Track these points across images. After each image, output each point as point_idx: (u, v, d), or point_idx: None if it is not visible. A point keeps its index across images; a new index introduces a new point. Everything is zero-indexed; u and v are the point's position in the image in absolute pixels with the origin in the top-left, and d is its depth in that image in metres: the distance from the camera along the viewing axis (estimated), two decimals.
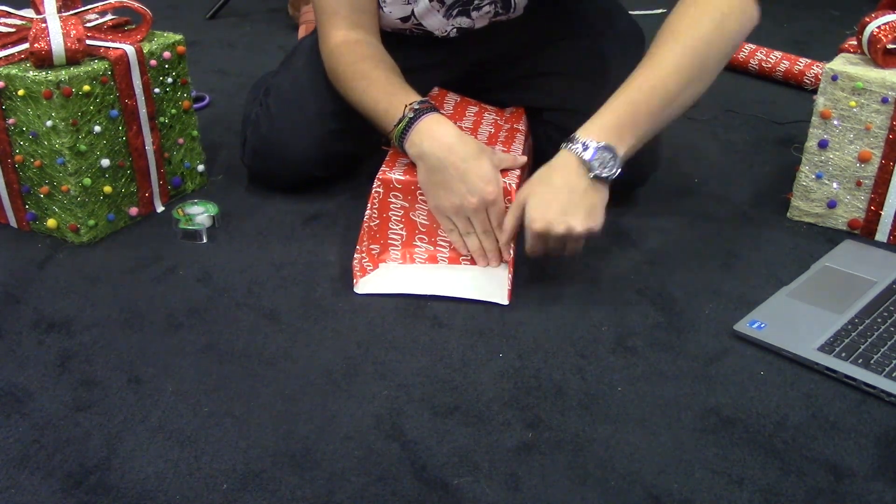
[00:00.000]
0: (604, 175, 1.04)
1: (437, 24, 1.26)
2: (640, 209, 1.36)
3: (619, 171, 1.05)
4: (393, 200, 1.14)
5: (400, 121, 1.13)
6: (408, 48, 1.30)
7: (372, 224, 1.15)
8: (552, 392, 0.96)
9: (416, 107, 1.12)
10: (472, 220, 1.12)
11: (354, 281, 1.12)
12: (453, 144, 1.10)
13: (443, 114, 1.14)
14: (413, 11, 1.24)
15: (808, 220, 1.32)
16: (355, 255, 1.13)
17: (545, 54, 1.36)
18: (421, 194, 1.13)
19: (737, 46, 1.09)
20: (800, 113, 1.72)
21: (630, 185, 1.34)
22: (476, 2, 1.24)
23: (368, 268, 1.15)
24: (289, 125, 1.31)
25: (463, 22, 1.27)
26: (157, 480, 0.84)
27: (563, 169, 1.05)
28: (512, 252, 1.12)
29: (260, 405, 0.94)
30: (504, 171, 1.15)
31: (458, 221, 1.12)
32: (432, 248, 1.16)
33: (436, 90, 1.37)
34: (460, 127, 1.28)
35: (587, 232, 1.06)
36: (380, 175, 1.13)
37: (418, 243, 1.16)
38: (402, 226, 1.15)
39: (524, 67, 1.38)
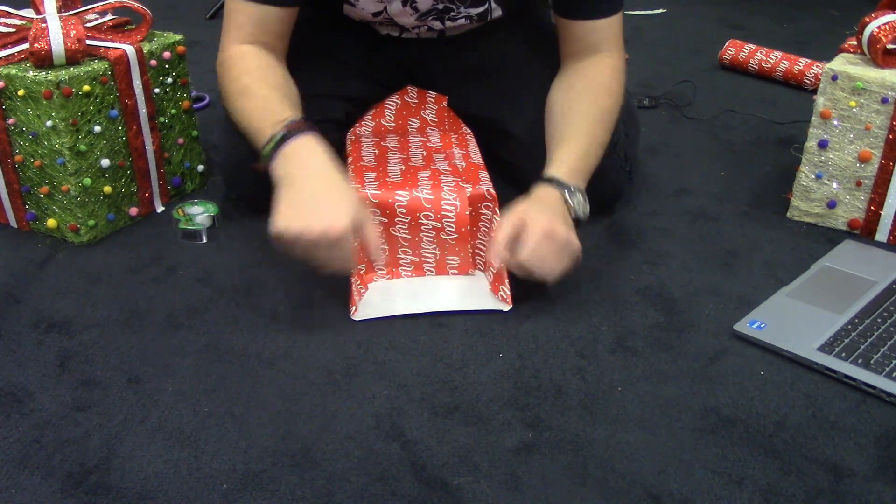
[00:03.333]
0: (580, 215, 1.12)
1: (408, 22, 1.26)
2: (640, 209, 1.36)
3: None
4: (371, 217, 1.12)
5: (269, 139, 1.06)
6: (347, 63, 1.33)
7: (353, 243, 1.10)
8: (552, 392, 0.96)
9: (287, 126, 1.06)
10: (309, 252, 1.01)
11: (352, 309, 1.08)
12: (317, 172, 1.04)
13: (315, 136, 1.07)
14: (386, 9, 1.23)
15: (808, 220, 1.32)
16: (350, 279, 1.10)
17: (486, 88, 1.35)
18: (400, 206, 1.10)
19: (621, 103, 1.26)
20: (800, 113, 1.73)
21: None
22: (451, 13, 1.24)
23: (361, 290, 1.11)
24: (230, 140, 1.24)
25: (435, 25, 1.27)
26: (157, 480, 0.84)
27: (554, 203, 1.10)
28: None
29: (260, 405, 0.94)
30: (412, 183, 1.12)
31: (296, 249, 1.01)
32: (417, 259, 1.14)
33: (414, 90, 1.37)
34: (404, 130, 1.30)
35: (577, 251, 1.07)
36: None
37: (402, 256, 1.13)
38: (382, 241, 1.12)
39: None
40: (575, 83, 1.24)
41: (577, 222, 1.12)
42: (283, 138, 1.06)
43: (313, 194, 1.02)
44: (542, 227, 1.05)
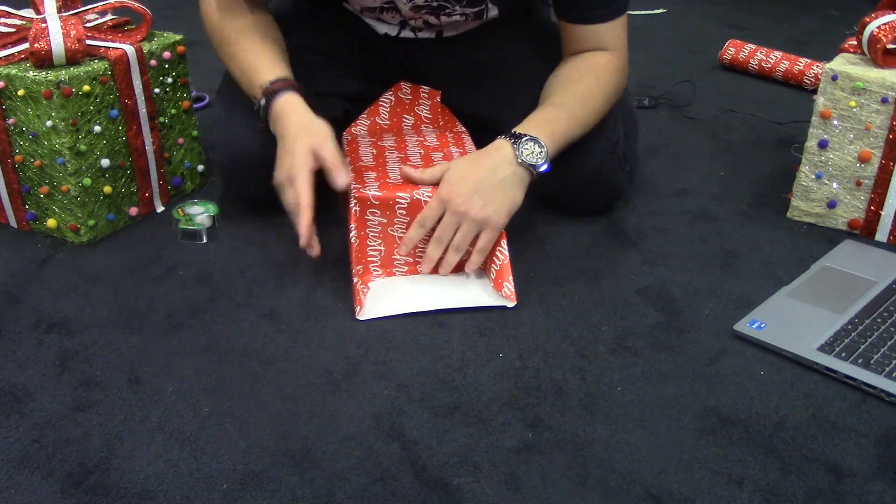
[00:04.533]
0: (531, 162, 1.11)
1: (404, 10, 1.26)
2: (640, 209, 1.36)
3: (548, 167, 1.13)
4: (370, 217, 1.11)
5: (259, 107, 1.18)
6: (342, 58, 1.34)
7: (354, 243, 1.11)
8: (552, 392, 0.96)
9: (265, 91, 1.16)
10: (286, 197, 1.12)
11: (357, 309, 1.08)
12: (284, 127, 1.13)
13: (291, 93, 1.15)
14: None
15: (808, 220, 1.32)
16: (353, 279, 1.11)
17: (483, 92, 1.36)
18: (400, 208, 1.11)
19: (615, 95, 1.25)
20: (800, 113, 1.72)
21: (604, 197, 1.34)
22: (447, 10, 1.24)
23: (364, 290, 1.11)
24: (236, 122, 1.26)
25: (430, 19, 1.27)
26: (157, 480, 0.84)
27: (495, 152, 1.12)
28: (507, 252, 1.11)
29: (260, 405, 0.94)
30: (413, 185, 1.12)
31: (281, 195, 1.13)
32: (411, 261, 1.14)
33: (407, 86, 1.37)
34: (398, 126, 1.32)
35: (482, 219, 1.09)
36: (355, 193, 1.11)
37: (397, 256, 1.14)
38: (380, 241, 1.13)
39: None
40: (562, 69, 1.25)
41: (533, 170, 1.12)
42: (268, 104, 1.15)
43: (283, 147, 1.12)
44: (441, 193, 1.08)
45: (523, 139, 1.11)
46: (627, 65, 1.27)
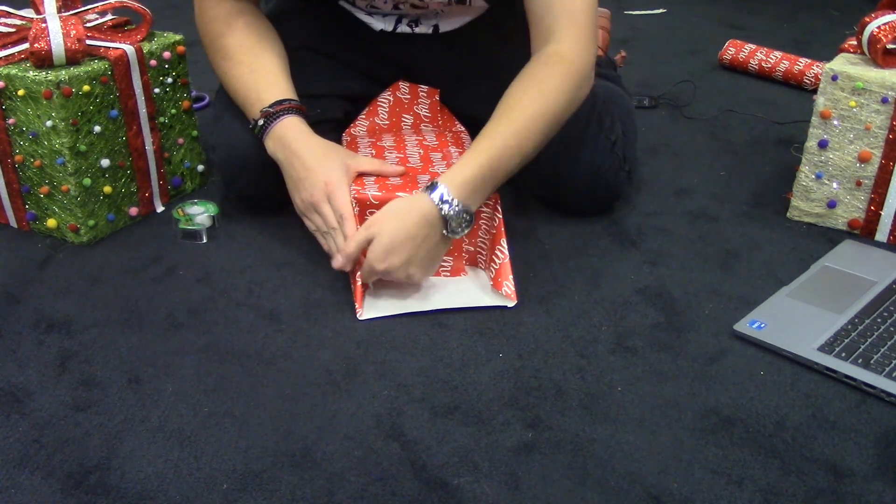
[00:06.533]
0: (457, 234, 1.08)
1: None
2: (640, 209, 1.36)
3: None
4: (369, 218, 1.11)
5: (255, 125, 1.18)
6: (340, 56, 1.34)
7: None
8: (552, 392, 0.96)
9: (264, 113, 1.16)
10: (320, 216, 1.12)
11: (359, 310, 1.08)
12: (299, 149, 1.14)
13: (297, 114, 1.17)
14: None
15: (808, 220, 1.32)
16: (353, 279, 1.11)
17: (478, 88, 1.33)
18: None
19: (566, 107, 1.15)
20: (800, 113, 1.73)
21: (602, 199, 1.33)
22: None
23: (365, 290, 1.11)
24: (236, 122, 1.25)
25: (415, 1, 1.25)
26: (157, 480, 0.84)
27: (422, 218, 1.05)
28: (507, 251, 1.11)
29: (260, 405, 0.94)
30: (411, 185, 1.12)
31: (313, 219, 1.14)
32: None
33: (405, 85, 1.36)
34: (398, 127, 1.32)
35: (412, 278, 1.08)
36: (354, 195, 1.10)
37: None
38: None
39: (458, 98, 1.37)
40: (514, 83, 1.15)
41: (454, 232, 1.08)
42: (265, 126, 1.16)
43: (304, 168, 1.12)
44: (378, 268, 1.05)
45: (453, 208, 1.05)
46: (588, 56, 1.14)
